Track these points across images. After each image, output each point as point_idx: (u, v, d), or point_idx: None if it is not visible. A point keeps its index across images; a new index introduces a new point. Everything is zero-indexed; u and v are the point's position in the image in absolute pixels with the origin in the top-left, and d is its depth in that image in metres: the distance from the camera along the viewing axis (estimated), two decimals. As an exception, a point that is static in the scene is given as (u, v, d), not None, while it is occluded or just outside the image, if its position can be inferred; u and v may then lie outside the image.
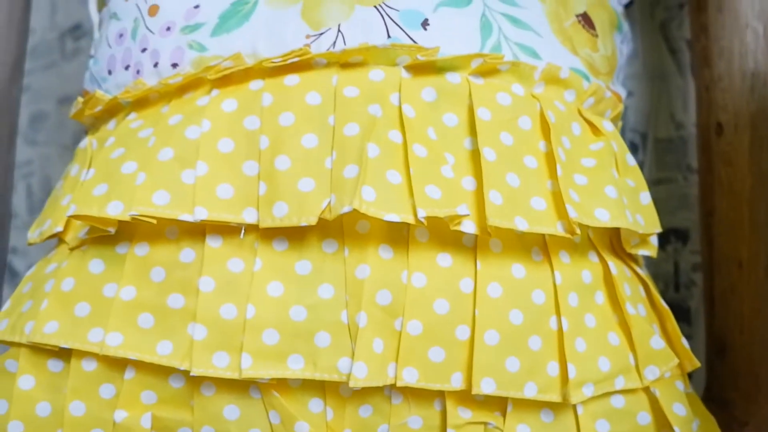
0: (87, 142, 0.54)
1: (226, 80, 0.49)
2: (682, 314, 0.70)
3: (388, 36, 0.48)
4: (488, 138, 0.47)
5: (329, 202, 0.44)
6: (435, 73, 0.48)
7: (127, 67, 0.53)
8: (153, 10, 0.52)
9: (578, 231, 0.46)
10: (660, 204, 0.67)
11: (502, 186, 0.46)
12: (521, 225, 0.45)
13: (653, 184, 0.73)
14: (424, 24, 0.49)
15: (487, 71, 0.49)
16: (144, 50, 0.52)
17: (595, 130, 0.52)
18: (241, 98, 0.48)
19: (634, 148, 0.75)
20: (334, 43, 0.48)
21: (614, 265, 0.50)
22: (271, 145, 0.46)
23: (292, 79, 0.47)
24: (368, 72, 0.48)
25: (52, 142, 1.09)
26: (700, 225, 0.62)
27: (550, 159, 0.48)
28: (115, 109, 0.53)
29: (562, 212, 0.47)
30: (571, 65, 0.52)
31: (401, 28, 0.49)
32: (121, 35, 0.54)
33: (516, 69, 0.49)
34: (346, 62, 0.48)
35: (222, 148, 0.46)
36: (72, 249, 0.49)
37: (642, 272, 0.53)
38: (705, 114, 0.61)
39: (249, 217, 0.46)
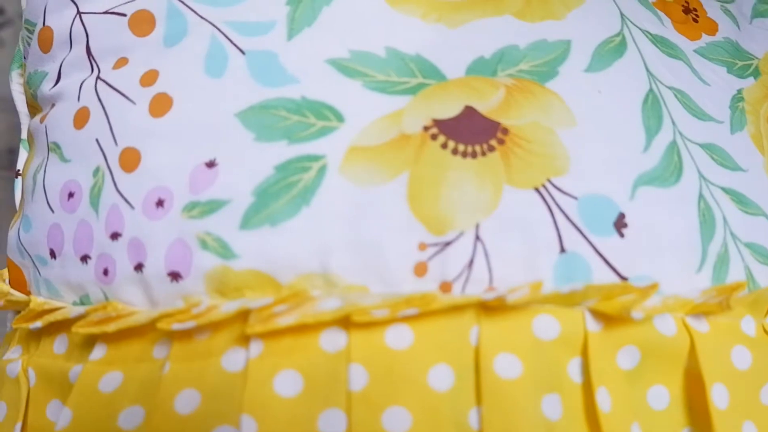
0: (18, 365, 0.29)
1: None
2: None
3: (562, 248, 0.26)
4: (730, 444, 0.26)
5: None
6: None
7: (84, 259, 0.28)
8: (129, 160, 0.27)
9: None
10: None
11: None
12: None
13: None
14: (620, 224, 0.26)
15: (714, 307, 0.28)
16: (116, 237, 0.27)
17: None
18: (308, 369, 0.24)
19: None
20: (471, 261, 0.25)
21: None
22: (369, 471, 0.24)
23: (399, 336, 0.24)
24: (531, 320, 0.25)
25: (-32, 157, 0.80)
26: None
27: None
28: (67, 323, 0.29)
29: None
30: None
31: (581, 233, 0.26)
32: (71, 194, 0.28)
33: (753, 298, 0.28)
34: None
35: None
36: None
37: None
38: None
39: None
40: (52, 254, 0.28)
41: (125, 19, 0.29)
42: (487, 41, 0.28)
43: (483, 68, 0.27)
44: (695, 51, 0.31)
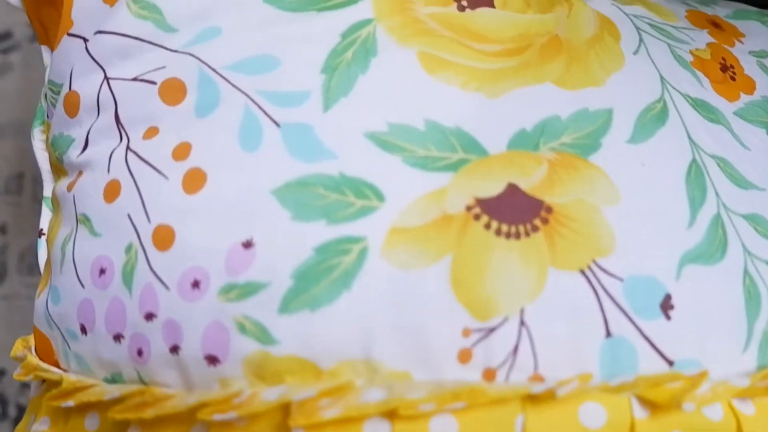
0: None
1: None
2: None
3: (608, 332, 0.25)
4: None
5: None
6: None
7: (118, 338, 0.28)
8: (163, 238, 0.26)
9: None
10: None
11: None
12: None
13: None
14: (666, 305, 0.25)
15: (761, 390, 0.27)
16: (150, 317, 0.26)
17: None
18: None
19: None
20: (516, 347, 0.25)
21: None
22: None
23: (444, 426, 0.23)
24: (577, 408, 0.24)
25: (-24, 179, 0.79)
26: None
27: None
28: (100, 405, 0.28)
29: None
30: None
31: (628, 316, 0.25)
32: (102, 270, 0.28)
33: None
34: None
35: None
36: None
37: None
38: None
39: None
40: (83, 330, 0.28)
41: (155, 87, 0.28)
42: (527, 112, 0.27)
43: (525, 142, 0.27)
44: (735, 113, 0.31)
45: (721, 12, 0.36)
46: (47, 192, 0.34)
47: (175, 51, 0.28)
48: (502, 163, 0.26)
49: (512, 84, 0.28)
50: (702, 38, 0.33)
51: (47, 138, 0.33)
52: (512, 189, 0.26)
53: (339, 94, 0.27)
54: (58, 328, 0.29)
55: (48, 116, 0.33)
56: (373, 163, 0.26)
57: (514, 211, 0.25)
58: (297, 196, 0.26)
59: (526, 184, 0.26)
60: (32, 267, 0.73)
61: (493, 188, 0.26)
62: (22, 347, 0.31)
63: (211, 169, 0.26)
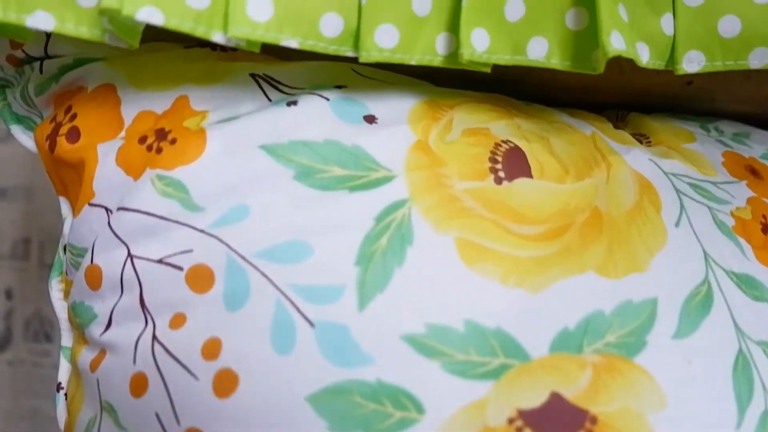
0: None
1: None
2: None
3: None
4: None
5: None
6: None
7: None
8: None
9: None
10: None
11: None
12: None
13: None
14: None
15: None
16: None
17: None
18: None
19: None
20: None
21: None
22: None
23: None
24: None
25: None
26: None
27: None
28: None
29: None
30: None
31: None
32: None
33: None
34: None
35: None
36: None
37: None
38: None
39: None
40: None
41: (181, 273, 0.27)
42: (570, 308, 0.26)
43: (568, 343, 0.26)
44: (778, 284, 0.30)
45: (757, 151, 0.36)
46: (65, 342, 0.33)
47: (202, 231, 0.27)
48: (545, 369, 0.25)
49: (554, 276, 0.27)
50: (742, 193, 0.32)
51: (64, 288, 0.33)
52: (556, 399, 0.25)
53: (375, 289, 0.26)
54: None
55: (67, 273, 0.32)
56: (411, 369, 0.25)
57: (558, 423, 0.24)
58: (333, 404, 0.25)
59: (570, 393, 0.25)
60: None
61: (535, 398, 0.25)
62: None
63: (242, 372, 0.25)
